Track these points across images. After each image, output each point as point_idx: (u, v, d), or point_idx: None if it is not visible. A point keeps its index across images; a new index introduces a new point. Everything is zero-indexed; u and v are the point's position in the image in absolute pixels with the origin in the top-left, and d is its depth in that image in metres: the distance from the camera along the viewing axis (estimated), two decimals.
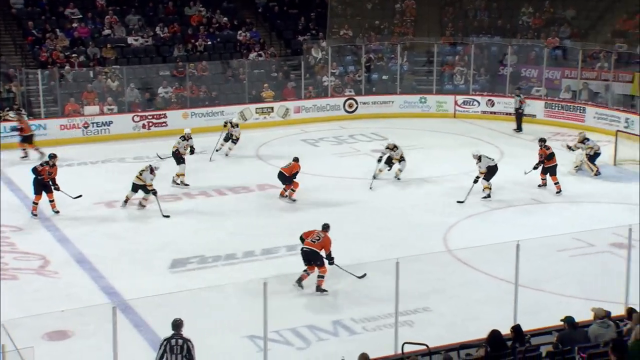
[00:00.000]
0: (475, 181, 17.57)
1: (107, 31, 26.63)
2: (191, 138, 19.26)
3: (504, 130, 24.22)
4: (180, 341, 9.01)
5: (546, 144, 18.54)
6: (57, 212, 16.66)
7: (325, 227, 13.32)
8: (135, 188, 16.89)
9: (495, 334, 8.98)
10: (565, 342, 9.13)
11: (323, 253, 12.98)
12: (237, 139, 21.40)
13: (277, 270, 13.48)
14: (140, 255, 14.68)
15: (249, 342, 11.08)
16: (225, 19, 28.29)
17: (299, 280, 12.93)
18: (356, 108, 26.44)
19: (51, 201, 16.64)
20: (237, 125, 21.48)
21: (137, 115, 24.07)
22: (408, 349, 9.59)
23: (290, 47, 28.50)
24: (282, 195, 17.80)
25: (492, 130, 24.29)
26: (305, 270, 12.99)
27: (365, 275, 13.22)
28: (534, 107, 25.27)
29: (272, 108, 25.59)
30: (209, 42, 27.30)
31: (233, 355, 11.05)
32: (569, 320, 9.51)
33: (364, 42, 27.65)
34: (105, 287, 13.23)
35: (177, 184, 18.74)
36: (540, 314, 11.37)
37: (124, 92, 24.44)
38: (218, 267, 14.18)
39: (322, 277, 12.92)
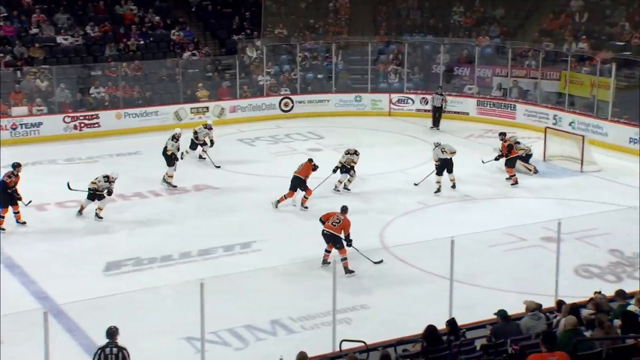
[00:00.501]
0: (440, 174, 17.92)
1: (34, 30, 25.96)
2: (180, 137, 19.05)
3: (438, 128, 24.56)
4: (115, 350, 8.81)
5: (506, 137, 19.08)
6: (24, 223, 15.89)
7: (344, 210, 13.78)
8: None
9: (431, 329, 9.09)
10: (499, 335, 9.30)
11: (342, 235, 13.45)
12: (212, 141, 20.73)
13: (214, 271, 13.38)
14: (72, 258, 14.37)
15: (186, 344, 10.97)
16: (158, 18, 27.93)
17: (324, 262, 13.43)
18: (292, 107, 26.45)
19: (16, 213, 15.84)
20: (210, 128, 20.69)
21: (68, 116, 23.55)
22: (346, 346, 9.64)
23: (224, 46, 28.32)
24: (280, 201, 16.93)
25: (426, 127, 24.61)
26: (326, 250, 13.51)
27: (382, 261, 13.54)
28: (467, 104, 25.74)
29: (207, 108, 25.39)
30: (142, 42, 26.91)
31: (170, 358, 10.93)
32: (501, 313, 9.71)
33: (299, 41, 27.68)
34: (36, 292, 12.92)
35: (169, 184, 18.48)
36: (475, 309, 11.58)
37: (53, 93, 23.89)
38: (154, 269, 14.00)
39: (345, 258, 13.38)
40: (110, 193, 16.36)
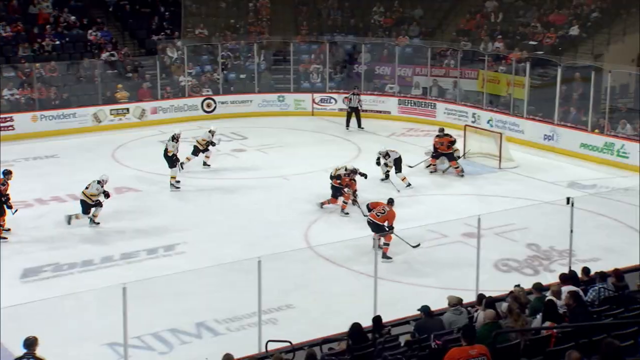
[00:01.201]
0: (387, 177, 18.64)
1: None
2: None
3: (362, 127, 24.73)
4: None
5: (445, 133, 19.79)
6: (9, 229, 15.40)
7: (391, 202, 14.55)
8: (86, 209, 15.87)
9: (356, 327, 9.16)
10: (422, 331, 9.45)
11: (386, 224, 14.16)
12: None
13: (137, 275, 13.15)
14: None
15: (109, 350, 10.77)
16: (74, 17, 27.26)
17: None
18: (215, 108, 26.24)
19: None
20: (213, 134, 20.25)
21: None
22: (272, 346, 9.63)
23: (144, 46, 27.87)
24: (324, 204, 17.05)
25: (349, 127, 24.77)
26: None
27: (419, 245, 14.03)
28: (388, 104, 26.06)
29: (127, 109, 24.94)
30: (57, 42, 26.22)
31: None
32: (424, 309, 9.87)
33: (220, 42, 27.48)
34: None
35: (176, 187, 18.28)
36: (399, 305, 11.73)
37: None
38: (74, 275, 13.68)
39: (387, 244, 14.03)
40: (107, 196, 16.05)
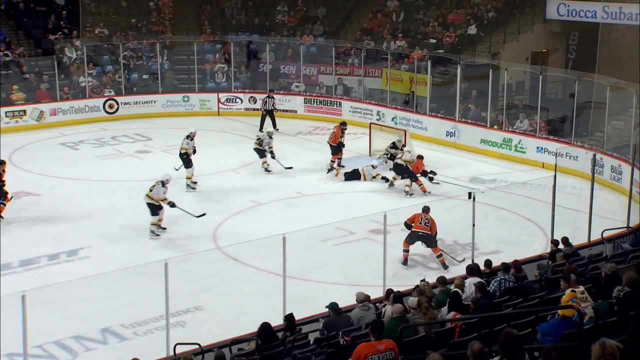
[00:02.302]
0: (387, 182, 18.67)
1: None
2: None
3: (266, 126, 24.64)
4: None
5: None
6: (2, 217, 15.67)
7: (426, 209, 14.10)
8: (154, 211, 15.32)
9: (265, 327, 9.15)
10: (330, 328, 9.53)
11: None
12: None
13: (38, 281, 12.75)
14: None
15: None
16: None
17: (404, 262, 14.03)
18: (117, 109, 25.66)
19: None
20: (271, 137, 19.95)
21: None
22: (180, 349, 9.50)
23: (40, 46, 26.93)
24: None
25: (256, 126, 24.66)
26: (404, 250, 13.97)
27: (464, 259, 13.64)
28: (294, 102, 26.13)
29: (24, 111, 24.06)
30: None
31: None
32: (332, 306, 9.96)
33: (121, 41, 26.89)
34: None
35: (192, 188, 18.06)
36: (308, 303, 11.79)
37: None
38: None
39: (440, 255, 13.90)
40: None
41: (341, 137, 19.99)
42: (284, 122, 25.11)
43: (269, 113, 24.29)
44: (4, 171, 16.41)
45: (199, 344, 9.40)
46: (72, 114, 24.88)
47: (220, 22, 29.30)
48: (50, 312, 11.51)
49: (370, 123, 22.65)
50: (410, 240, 14.01)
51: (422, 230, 13.90)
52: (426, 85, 23.77)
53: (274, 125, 24.18)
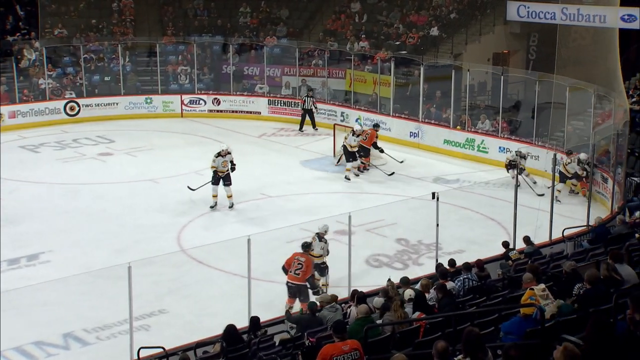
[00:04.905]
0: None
1: None
2: (229, 153, 17.15)
3: (230, 128, 24.58)
4: None
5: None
6: None
7: (306, 246, 12.35)
8: (216, 179, 16.66)
9: (230, 329, 9.11)
10: (305, 327, 9.54)
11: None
12: None
13: None
14: None
15: None
16: None
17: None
18: (78, 111, 25.34)
19: None
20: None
21: None
22: (144, 353, 9.43)
23: None
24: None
25: (220, 128, 24.61)
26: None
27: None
28: (258, 104, 26.06)
29: None
30: None
31: None
32: (311, 305, 9.97)
33: (82, 42, 26.56)
34: None
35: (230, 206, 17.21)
36: (274, 305, 11.76)
37: None
38: None
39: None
40: (233, 168, 16.96)
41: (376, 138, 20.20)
42: (247, 123, 25.10)
43: (308, 112, 24.28)
44: None
45: (163, 348, 9.33)
46: (32, 117, 24.52)
47: (182, 24, 29.10)
48: (10, 318, 11.31)
49: (335, 124, 22.69)
50: (289, 293, 11.97)
51: (291, 281, 11.87)
52: (390, 86, 23.89)
53: (314, 125, 24.18)
